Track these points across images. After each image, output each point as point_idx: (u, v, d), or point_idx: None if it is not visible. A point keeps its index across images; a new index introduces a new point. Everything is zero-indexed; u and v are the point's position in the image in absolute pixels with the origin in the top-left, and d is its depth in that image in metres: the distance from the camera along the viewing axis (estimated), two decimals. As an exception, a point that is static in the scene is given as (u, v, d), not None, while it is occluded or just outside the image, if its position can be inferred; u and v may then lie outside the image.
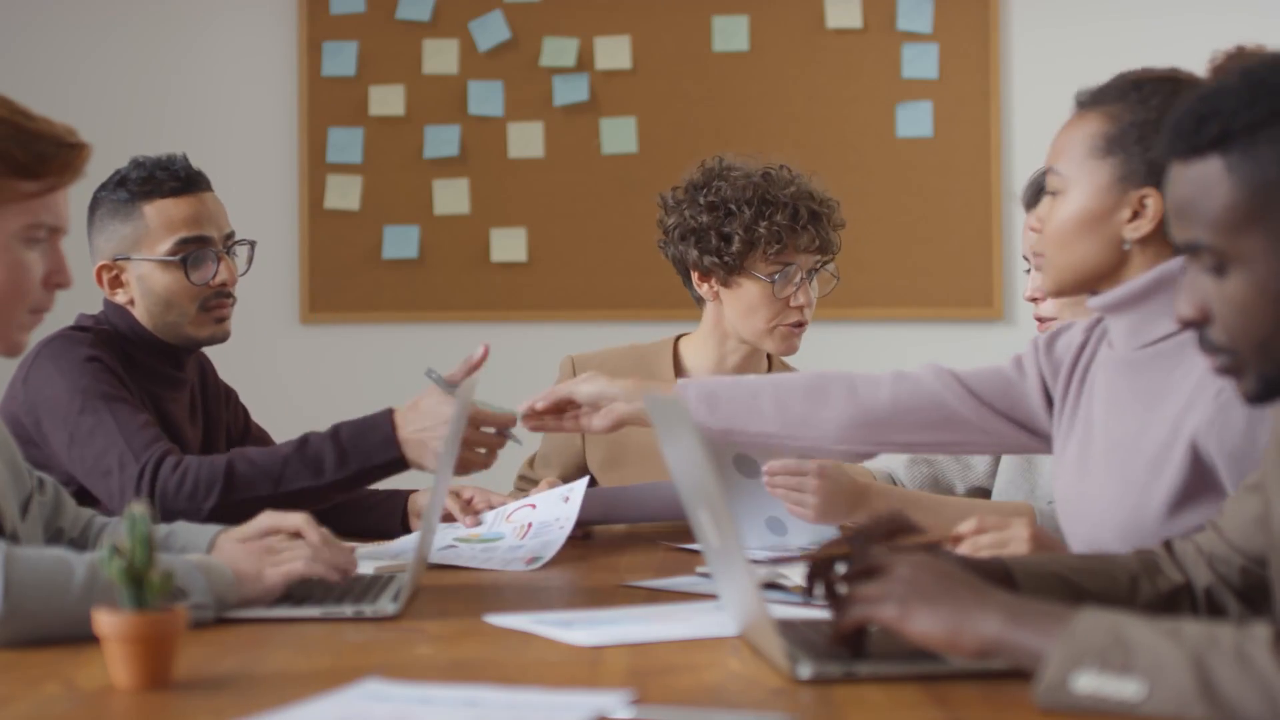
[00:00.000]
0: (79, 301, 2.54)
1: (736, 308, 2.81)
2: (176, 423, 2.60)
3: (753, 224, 2.74)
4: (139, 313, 2.59)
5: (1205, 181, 1.41)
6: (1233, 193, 1.40)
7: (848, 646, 1.50)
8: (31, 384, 2.48)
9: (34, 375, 2.48)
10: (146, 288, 2.58)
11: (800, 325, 2.80)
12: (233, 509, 2.28)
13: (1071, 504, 1.98)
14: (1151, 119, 1.90)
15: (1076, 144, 1.95)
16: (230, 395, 2.83)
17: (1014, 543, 1.91)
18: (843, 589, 1.52)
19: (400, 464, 2.40)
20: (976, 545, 1.92)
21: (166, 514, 2.27)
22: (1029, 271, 2.48)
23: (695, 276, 2.84)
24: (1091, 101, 1.97)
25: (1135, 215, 1.91)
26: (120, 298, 2.60)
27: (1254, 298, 1.40)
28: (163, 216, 2.58)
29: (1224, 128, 1.40)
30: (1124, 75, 1.98)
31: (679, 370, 2.91)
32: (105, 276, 2.60)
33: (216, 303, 2.60)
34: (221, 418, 2.76)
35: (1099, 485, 1.93)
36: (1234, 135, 1.39)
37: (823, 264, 2.81)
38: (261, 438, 2.84)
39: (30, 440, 2.43)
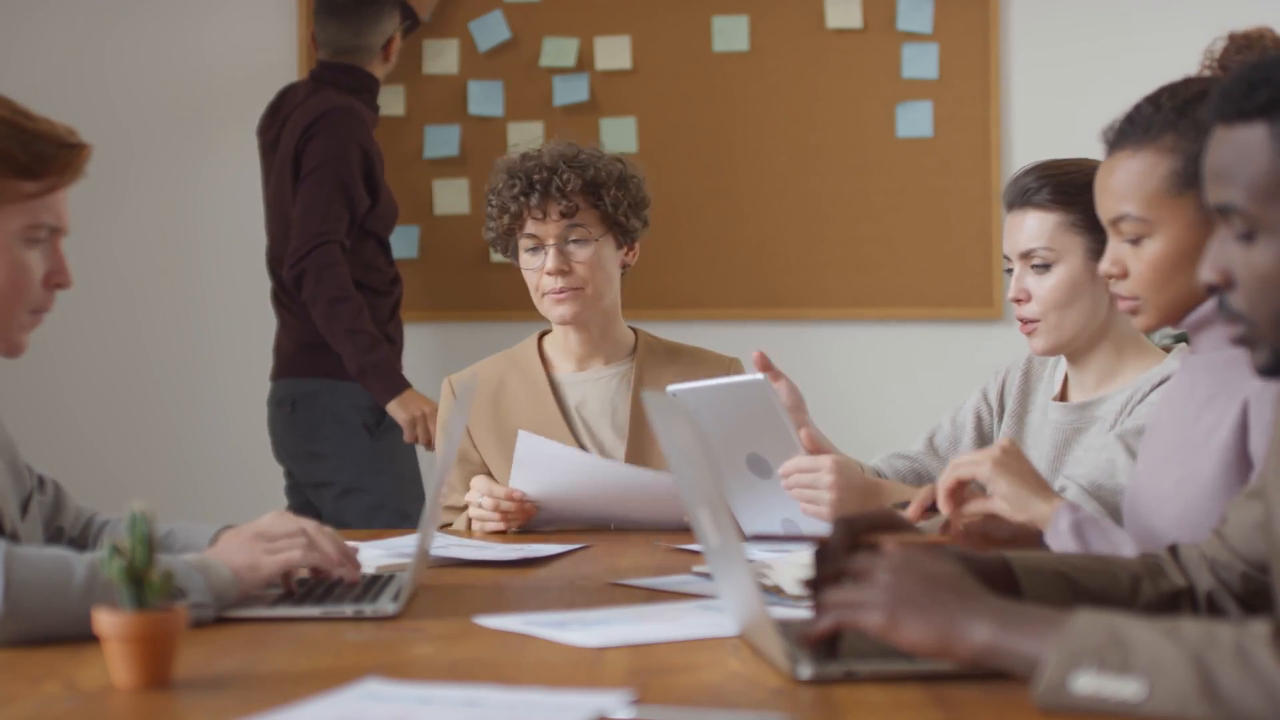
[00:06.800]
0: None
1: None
2: None
3: (491, 204, 2.85)
4: None
5: (1247, 147, 1.41)
6: (1273, 160, 1.40)
7: (821, 646, 1.47)
8: None
9: None
10: None
11: (563, 291, 2.78)
12: None
13: (1135, 492, 1.98)
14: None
15: (1148, 185, 1.90)
16: None
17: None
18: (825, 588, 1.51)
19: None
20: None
21: None
22: (1009, 271, 2.47)
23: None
24: (1142, 138, 1.92)
25: None
26: None
27: (1278, 268, 1.41)
28: None
29: (1272, 96, 1.40)
30: (1155, 101, 1.92)
31: (545, 363, 2.91)
32: None
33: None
34: None
35: (1162, 476, 1.92)
36: None
37: (573, 226, 2.79)
38: None
39: None
